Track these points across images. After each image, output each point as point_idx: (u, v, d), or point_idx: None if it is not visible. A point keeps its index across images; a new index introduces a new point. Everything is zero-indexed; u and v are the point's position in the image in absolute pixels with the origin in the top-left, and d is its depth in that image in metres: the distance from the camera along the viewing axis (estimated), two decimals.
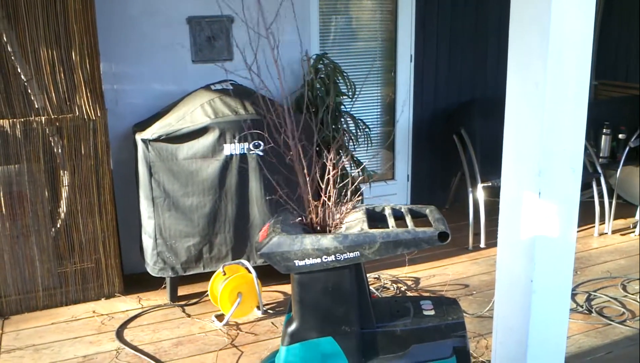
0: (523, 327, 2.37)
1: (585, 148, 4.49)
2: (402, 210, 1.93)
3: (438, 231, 1.72)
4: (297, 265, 1.70)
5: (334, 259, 1.69)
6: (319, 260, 1.69)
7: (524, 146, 2.30)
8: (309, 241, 1.70)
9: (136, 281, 3.57)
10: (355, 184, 2.02)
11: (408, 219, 1.85)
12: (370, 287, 3.46)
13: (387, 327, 1.79)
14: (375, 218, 1.93)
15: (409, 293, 3.46)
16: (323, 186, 1.85)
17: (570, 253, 2.36)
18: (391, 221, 1.83)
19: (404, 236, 1.70)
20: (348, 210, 1.90)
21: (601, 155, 4.64)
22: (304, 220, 1.90)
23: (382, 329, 1.79)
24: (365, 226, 1.78)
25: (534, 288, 2.30)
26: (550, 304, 2.36)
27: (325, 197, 1.84)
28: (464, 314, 3.21)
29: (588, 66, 2.18)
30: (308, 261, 1.69)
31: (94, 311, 3.31)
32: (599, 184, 4.37)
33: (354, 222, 1.85)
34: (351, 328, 1.75)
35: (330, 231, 1.86)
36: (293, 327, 1.76)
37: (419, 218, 1.95)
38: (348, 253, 1.69)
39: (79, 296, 3.40)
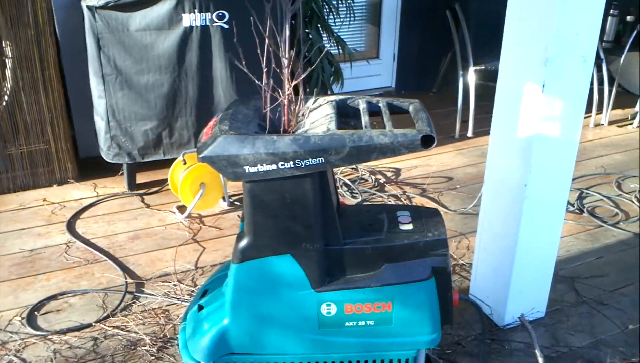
0: (512, 234, 2.12)
1: None
2: (380, 105, 1.60)
3: (421, 134, 1.40)
4: (247, 171, 1.39)
5: (292, 166, 1.38)
6: (274, 167, 1.38)
7: (530, 28, 1.93)
8: (262, 143, 1.37)
9: (93, 166, 3.25)
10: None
11: (386, 117, 1.52)
12: (341, 188, 3.19)
13: (356, 244, 1.52)
14: (347, 114, 1.61)
15: (387, 187, 3.20)
16: (285, 72, 1.49)
17: (572, 157, 2.07)
18: (365, 119, 1.50)
19: (379, 140, 1.38)
20: (312, 105, 1.57)
21: (605, 39, 4.24)
22: (264, 114, 1.56)
23: (350, 246, 1.52)
24: (333, 125, 1.45)
25: (528, 193, 2.03)
26: (544, 212, 2.10)
27: (287, 88, 1.49)
28: (446, 210, 2.98)
29: None
30: (261, 168, 1.38)
31: (44, 199, 3.02)
32: (599, 71, 4.02)
33: (320, 119, 1.52)
34: (313, 246, 1.48)
35: (288, 131, 1.54)
36: (244, 242, 1.49)
37: (401, 114, 1.63)
38: (310, 159, 1.37)
39: (27, 181, 3.10)
